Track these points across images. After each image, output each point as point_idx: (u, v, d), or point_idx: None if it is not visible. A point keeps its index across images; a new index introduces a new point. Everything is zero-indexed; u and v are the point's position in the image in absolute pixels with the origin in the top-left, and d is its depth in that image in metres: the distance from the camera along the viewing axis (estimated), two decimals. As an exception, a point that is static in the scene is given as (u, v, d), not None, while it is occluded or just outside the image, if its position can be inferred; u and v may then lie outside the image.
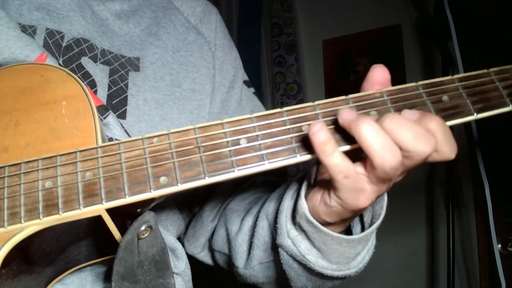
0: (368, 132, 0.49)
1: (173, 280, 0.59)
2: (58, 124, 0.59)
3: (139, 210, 0.56)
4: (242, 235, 0.79)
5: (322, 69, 2.77)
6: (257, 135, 0.53)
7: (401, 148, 0.50)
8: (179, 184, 0.51)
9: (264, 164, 0.52)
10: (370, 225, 0.64)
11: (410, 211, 2.42)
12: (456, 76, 0.57)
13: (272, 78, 2.76)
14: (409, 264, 2.40)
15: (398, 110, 0.54)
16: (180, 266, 0.78)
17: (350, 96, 0.55)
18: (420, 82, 0.56)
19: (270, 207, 0.74)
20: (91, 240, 0.59)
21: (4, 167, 0.56)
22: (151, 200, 0.54)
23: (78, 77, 0.73)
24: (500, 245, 1.74)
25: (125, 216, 0.56)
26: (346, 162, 0.51)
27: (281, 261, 0.69)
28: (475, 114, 0.55)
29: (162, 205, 0.81)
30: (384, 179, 0.52)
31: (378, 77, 0.56)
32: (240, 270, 0.80)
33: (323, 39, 2.78)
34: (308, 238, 0.63)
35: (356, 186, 0.53)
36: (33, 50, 0.71)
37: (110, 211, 0.53)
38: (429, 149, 0.49)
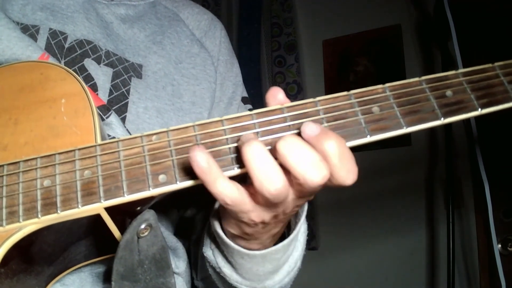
0: (251, 156, 0.46)
1: (173, 279, 0.58)
2: (57, 122, 0.59)
3: (138, 208, 0.56)
4: (196, 246, 0.79)
5: (322, 69, 2.77)
6: (257, 132, 0.52)
7: (291, 174, 0.47)
8: (178, 182, 0.51)
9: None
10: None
11: (410, 211, 2.42)
12: (460, 70, 0.56)
13: (272, 78, 2.76)
14: (409, 264, 2.40)
15: (401, 105, 0.53)
16: (181, 266, 0.77)
17: (352, 92, 0.54)
18: (424, 77, 0.55)
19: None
20: (91, 239, 0.59)
21: (3, 165, 0.55)
22: (151, 198, 0.53)
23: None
24: (500, 245, 1.74)
25: (124, 214, 0.56)
26: (230, 189, 0.48)
27: (209, 273, 0.69)
28: (480, 109, 0.53)
29: (162, 204, 0.81)
30: (272, 203, 0.48)
31: (277, 99, 0.54)
32: (195, 281, 0.81)
33: (323, 39, 2.78)
34: (221, 250, 0.63)
35: (242, 210, 0.50)
36: (35, 51, 0.71)
37: (109, 209, 0.52)
38: (319, 178, 0.46)
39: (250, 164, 0.46)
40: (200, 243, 0.75)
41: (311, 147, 0.47)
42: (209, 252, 0.65)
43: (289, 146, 0.46)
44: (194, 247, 0.80)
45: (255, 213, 0.51)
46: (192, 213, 0.87)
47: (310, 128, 0.48)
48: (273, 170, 0.46)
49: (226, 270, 0.63)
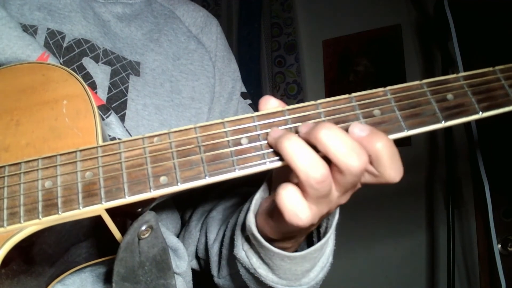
0: (293, 148, 0.48)
1: (174, 281, 0.58)
2: (59, 123, 0.59)
3: (139, 210, 0.56)
4: (217, 244, 0.79)
5: (322, 69, 2.77)
6: (259, 135, 0.52)
7: (331, 161, 0.48)
8: (179, 184, 0.51)
9: (265, 163, 0.51)
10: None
11: (410, 211, 2.42)
12: (461, 74, 0.56)
13: (272, 78, 2.76)
14: (409, 264, 2.41)
15: (402, 109, 0.54)
16: (182, 266, 0.77)
17: (353, 94, 0.54)
18: (425, 81, 0.55)
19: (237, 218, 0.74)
20: (92, 241, 0.59)
21: (4, 166, 0.55)
22: (152, 200, 0.53)
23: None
24: (500, 245, 1.74)
25: (125, 216, 0.56)
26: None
27: (240, 273, 0.69)
28: (481, 112, 0.54)
29: (163, 204, 0.81)
30: (319, 195, 0.49)
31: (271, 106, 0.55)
32: (215, 278, 0.80)
33: (323, 39, 2.78)
34: (257, 252, 0.63)
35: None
36: (35, 50, 0.71)
37: (110, 211, 0.52)
38: (360, 163, 0.48)
39: (293, 156, 0.48)
40: (222, 242, 0.75)
41: (348, 135, 0.49)
42: (242, 253, 0.65)
43: (330, 133, 0.48)
44: (215, 245, 0.80)
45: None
46: (205, 211, 0.88)
47: (359, 128, 0.50)
48: (315, 159, 0.48)
49: (262, 271, 0.63)
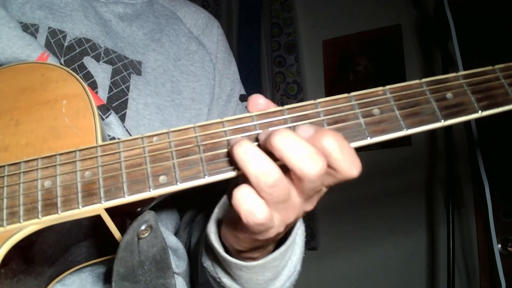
0: (242, 154, 0.47)
1: (173, 280, 0.58)
2: (59, 123, 0.59)
3: (139, 209, 0.56)
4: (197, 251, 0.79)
5: (322, 69, 2.77)
6: (258, 134, 0.53)
7: (290, 170, 0.47)
8: (178, 183, 0.51)
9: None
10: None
11: (410, 211, 2.42)
12: (460, 73, 0.56)
13: (272, 78, 2.76)
14: (409, 264, 2.41)
15: (401, 108, 0.53)
16: (182, 266, 0.77)
17: (353, 94, 0.54)
18: (424, 80, 0.55)
19: None
20: (91, 240, 0.59)
21: (3, 166, 0.55)
22: (151, 199, 0.53)
23: (80, 77, 0.73)
24: (500, 245, 1.74)
25: (125, 215, 0.56)
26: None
27: (210, 282, 0.69)
28: (480, 111, 0.54)
29: (162, 204, 0.81)
30: (274, 201, 0.48)
31: (261, 104, 0.55)
32: (196, 285, 0.80)
33: (323, 39, 2.78)
34: (219, 261, 0.62)
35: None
36: (35, 50, 0.71)
37: (109, 210, 0.52)
38: (317, 169, 0.46)
39: (243, 161, 0.47)
40: (199, 249, 0.75)
41: (306, 141, 0.47)
42: (208, 262, 0.65)
43: (284, 139, 0.47)
44: (194, 251, 0.79)
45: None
46: (193, 214, 0.88)
47: (304, 130, 0.49)
48: (266, 164, 0.46)
49: (226, 280, 0.63)
